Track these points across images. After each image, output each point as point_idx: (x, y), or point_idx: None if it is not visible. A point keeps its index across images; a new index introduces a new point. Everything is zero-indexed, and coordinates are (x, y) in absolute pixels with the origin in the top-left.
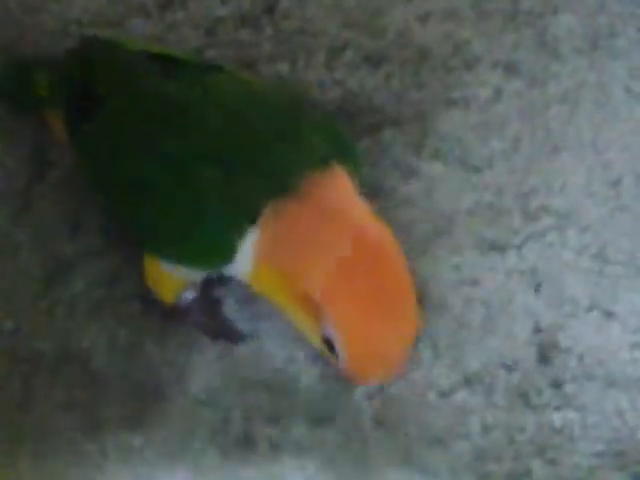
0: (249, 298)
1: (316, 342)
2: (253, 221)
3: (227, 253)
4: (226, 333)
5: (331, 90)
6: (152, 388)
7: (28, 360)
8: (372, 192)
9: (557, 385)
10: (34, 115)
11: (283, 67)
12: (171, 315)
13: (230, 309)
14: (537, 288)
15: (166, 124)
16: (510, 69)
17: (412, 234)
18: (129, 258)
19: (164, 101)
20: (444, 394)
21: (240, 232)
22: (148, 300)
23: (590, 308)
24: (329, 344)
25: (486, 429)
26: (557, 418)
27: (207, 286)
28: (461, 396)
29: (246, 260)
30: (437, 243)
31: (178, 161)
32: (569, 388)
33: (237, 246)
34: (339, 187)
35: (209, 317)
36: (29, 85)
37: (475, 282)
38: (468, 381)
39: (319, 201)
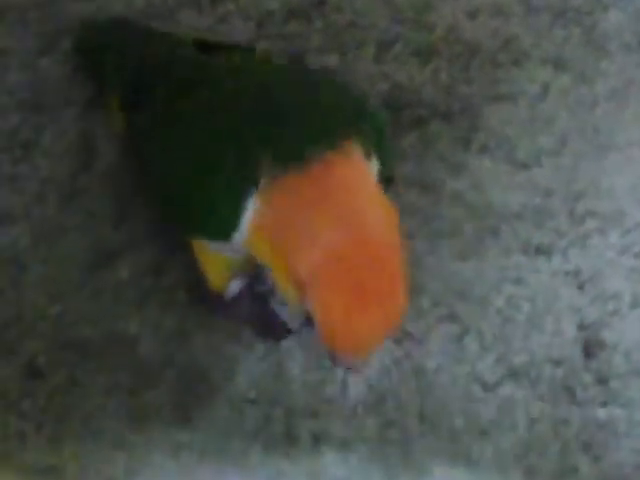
0: None
1: (299, 308)
2: (253, 188)
3: (230, 220)
4: (271, 327)
5: (379, 83)
6: (198, 377)
7: (74, 345)
8: (419, 186)
9: (602, 381)
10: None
11: (332, 59)
12: (218, 306)
13: (278, 302)
14: (581, 287)
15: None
16: (558, 65)
17: (460, 233)
18: (175, 248)
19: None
20: (490, 387)
21: (241, 198)
22: (195, 290)
23: (634, 305)
24: (310, 319)
25: (532, 422)
26: (602, 414)
27: (255, 278)
28: (507, 389)
29: (244, 226)
30: (484, 245)
31: (200, 135)
32: (614, 384)
33: (239, 212)
34: (349, 167)
35: (255, 310)
36: (100, 64)
37: (519, 281)
38: (514, 374)
39: (322, 180)
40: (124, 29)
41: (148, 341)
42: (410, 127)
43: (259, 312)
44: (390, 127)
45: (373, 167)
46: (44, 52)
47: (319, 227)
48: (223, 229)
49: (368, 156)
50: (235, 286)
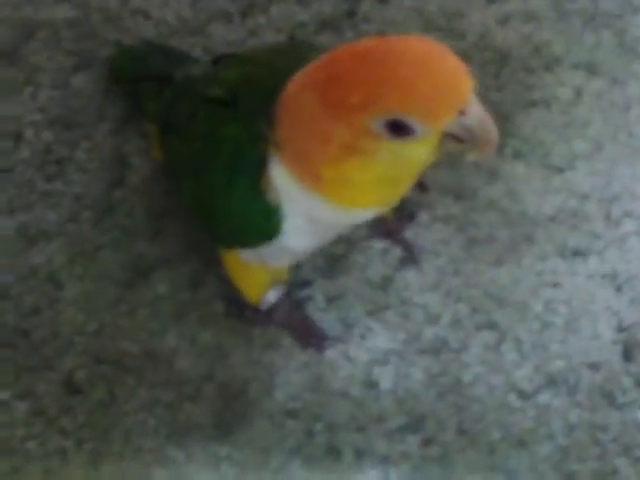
0: (335, 298)
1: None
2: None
3: (271, 213)
4: (311, 336)
5: None
6: (238, 390)
7: (112, 361)
8: (453, 194)
9: None
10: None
11: None
12: (255, 317)
13: (316, 309)
14: (618, 289)
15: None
16: (590, 70)
17: (495, 239)
18: (211, 261)
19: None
20: (527, 396)
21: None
22: (232, 302)
23: None
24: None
25: (570, 429)
26: None
27: (291, 287)
28: (544, 397)
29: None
30: (520, 250)
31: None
32: None
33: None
34: None
35: (293, 319)
36: (138, 93)
37: (556, 285)
38: (552, 381)
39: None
40: (159, 56)
41: (186, 355)
42: None
43: (296, 319)
44: None
45: None
46: (76, 69)
47: None
48: (270, 225)
49: None
50: (271, 296)
